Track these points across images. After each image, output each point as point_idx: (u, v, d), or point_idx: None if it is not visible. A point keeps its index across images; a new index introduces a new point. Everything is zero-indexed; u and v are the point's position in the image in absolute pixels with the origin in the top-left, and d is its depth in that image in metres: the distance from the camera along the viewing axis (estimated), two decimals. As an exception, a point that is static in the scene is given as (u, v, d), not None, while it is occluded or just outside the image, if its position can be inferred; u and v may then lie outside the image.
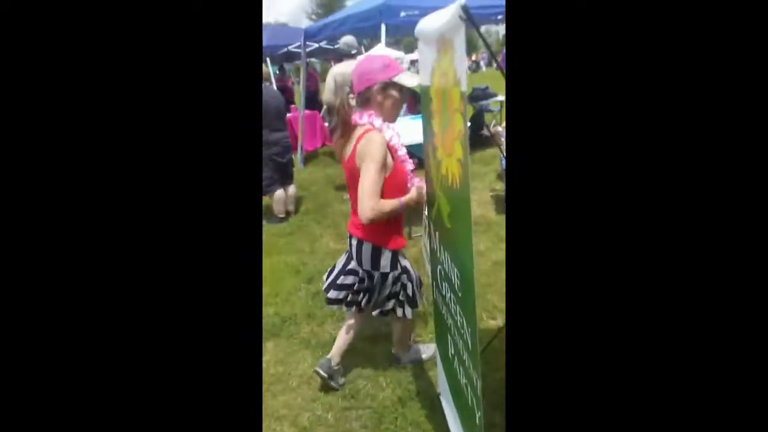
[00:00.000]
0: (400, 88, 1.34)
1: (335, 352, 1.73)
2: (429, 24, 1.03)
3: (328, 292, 1.57)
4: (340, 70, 3.76)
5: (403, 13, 3.60)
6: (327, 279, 1.60)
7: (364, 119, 1.34)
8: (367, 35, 5.30)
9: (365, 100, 1.35)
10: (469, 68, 21.15)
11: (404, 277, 1.52)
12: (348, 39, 3.84)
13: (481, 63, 23.38)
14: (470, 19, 0.73)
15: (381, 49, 4.38)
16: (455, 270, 1.14)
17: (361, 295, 1.53)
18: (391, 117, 1.37)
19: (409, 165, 1.43)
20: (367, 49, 7.18)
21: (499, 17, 4.77)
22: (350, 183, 1.41)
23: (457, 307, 1.19)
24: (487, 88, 6.53)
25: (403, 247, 1.49)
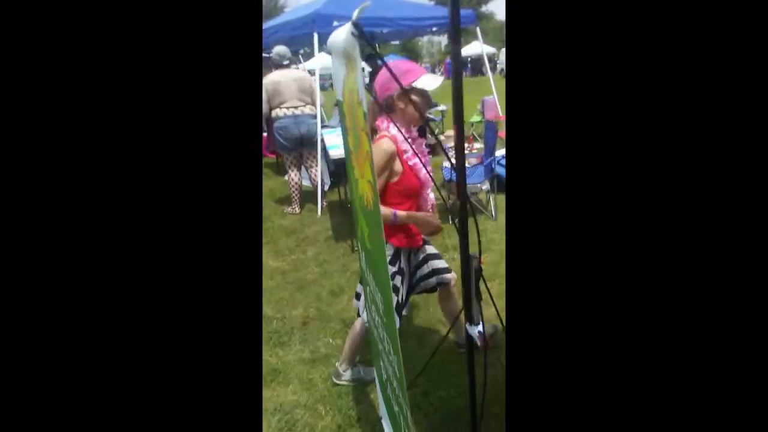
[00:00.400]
0: (420, 91, 1.36)
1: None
2: (336, 38, 0.97)
3: None
4: (271, 78, 3.65)
5: (335, 23, 3.55)
6: None
7: (384, 125, 1.38)
8: (302, 44, 5.19)
9: (388, 107, 1.37)
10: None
11: (397, 278, 1.48)
12: (279, 49, 3.72)
13: (424, 71, 23.91)
14: (362, 35, 0.68)
15: (320, 58, 4.31)
16: (378, 293, 1.09)
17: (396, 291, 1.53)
18: (414, 120, 1.39)
19: (418, 169, 1.42)
20: (306, 58, 7.05)
21: (434, 29, 4.86)
22: None
23: (384, 333, 1.13)
24: (427, 96, 6.63)
25: (414, 246, 1.51)
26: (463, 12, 5.53)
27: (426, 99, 1.41)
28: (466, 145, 5.00)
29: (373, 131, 1.40)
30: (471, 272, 1.18)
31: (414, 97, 1.34)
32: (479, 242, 1.08)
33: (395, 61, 1.46)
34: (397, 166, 1.35)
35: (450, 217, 3.47)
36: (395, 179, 1.36)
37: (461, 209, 1.15)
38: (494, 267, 2.67)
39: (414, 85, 1.33)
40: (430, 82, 1.37)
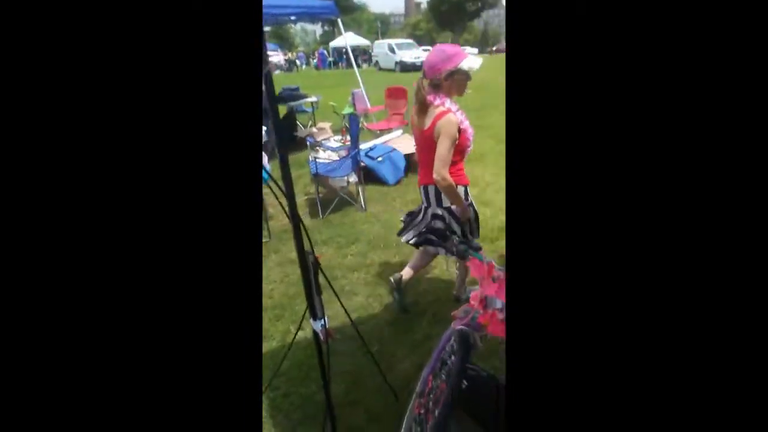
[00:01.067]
0: (464, 71, 1.68)
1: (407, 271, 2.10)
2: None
3: (415, 240, 1.95)
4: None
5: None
6: (409, 230, 1.98)
7: (438, 101, 1.68)
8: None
9: (436, 85, 1.69)
10: (283, 67, 20.92)
11: (471, 210, 1.88)
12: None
13: (298, 62, 23.40)
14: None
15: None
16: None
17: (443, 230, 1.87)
18: (457, 93, 1.74)
19: (470, 131, 1.76)
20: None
21: (293, 17, 4.74)
22: (423, 146, 1.79)
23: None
24: (297, 88, 6.48)
25: (468, 185, 1.84)
26: (322, 2, 5.50)
27: (467, 78, 1.72)
28: (339, 137, 4.96)
29: (424, 105, 1.71)
30: (309, 268, 1.18)
31: (457, 77, 1.69)
32: (309, 240, 1.10)
33: (442, 45, 1.72)
34: (457, 132, 1.69)
35: (320, 210, 3.46)
36: (456, 142, 1.69)
37: (290, 207, 1.14)
38: (361, 258, 2.75)
39: (459, 66, 1.66)
40: (472, 63, 1.68)
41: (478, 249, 1.40)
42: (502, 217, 2.99)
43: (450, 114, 1.66)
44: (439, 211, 1.86)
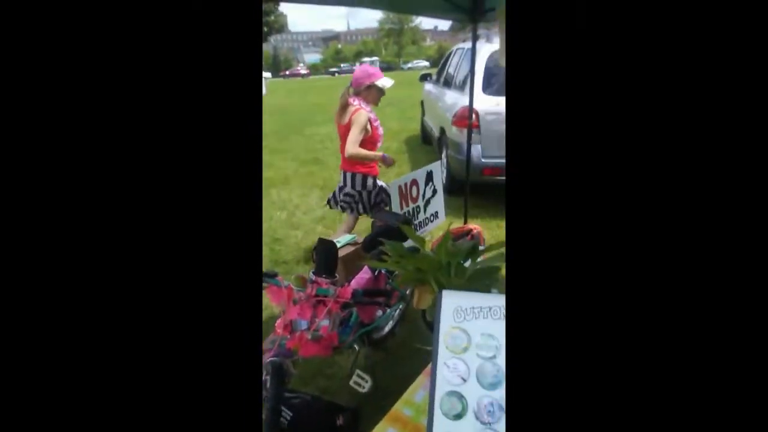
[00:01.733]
0: (378, 87, 2.33)
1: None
2: None
3: (336, 206, 2.57)
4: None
5: None
6: (332, 198, 2.58)
7: (355, 102, 2.25)
8: None
9: (357, 93, 2.31)
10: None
11: (383, 194, 2.46)
12: None
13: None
14: None
15: None
16: None
17: (356, 204, 2.48)
18: (372, 102, 2.36)
19: (380, 129, 2.36)
20: None
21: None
22: (343, 138, 2.28)
23: None
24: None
25: (376, 175, 2.41)
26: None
27: (381, 92, 2.35)
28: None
29: (345, 105, 2.23)
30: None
31: (373, 91, 2.32)
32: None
33: (365, 66, 2.32)
34: (368, 126, 2.24)
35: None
36: (369, 134, 2.24)
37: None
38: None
39: (374, 83, 2.29)
40: (386, 82, 2.32)
41: (273, 276, 1.40)
42: (314, 238, 3.08)
43: (362, 110, 2.22)
44: (350, 190, 2.41)
